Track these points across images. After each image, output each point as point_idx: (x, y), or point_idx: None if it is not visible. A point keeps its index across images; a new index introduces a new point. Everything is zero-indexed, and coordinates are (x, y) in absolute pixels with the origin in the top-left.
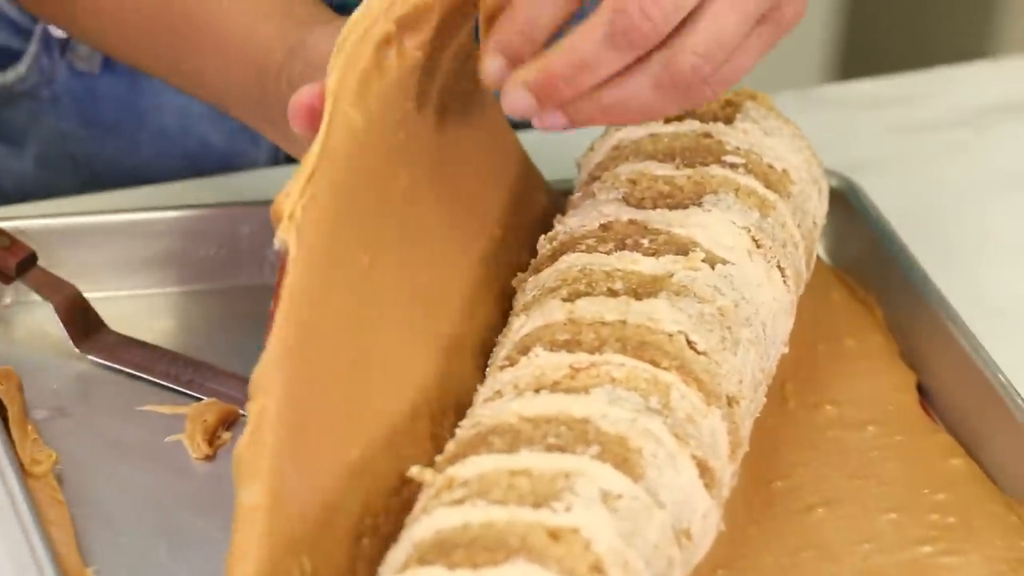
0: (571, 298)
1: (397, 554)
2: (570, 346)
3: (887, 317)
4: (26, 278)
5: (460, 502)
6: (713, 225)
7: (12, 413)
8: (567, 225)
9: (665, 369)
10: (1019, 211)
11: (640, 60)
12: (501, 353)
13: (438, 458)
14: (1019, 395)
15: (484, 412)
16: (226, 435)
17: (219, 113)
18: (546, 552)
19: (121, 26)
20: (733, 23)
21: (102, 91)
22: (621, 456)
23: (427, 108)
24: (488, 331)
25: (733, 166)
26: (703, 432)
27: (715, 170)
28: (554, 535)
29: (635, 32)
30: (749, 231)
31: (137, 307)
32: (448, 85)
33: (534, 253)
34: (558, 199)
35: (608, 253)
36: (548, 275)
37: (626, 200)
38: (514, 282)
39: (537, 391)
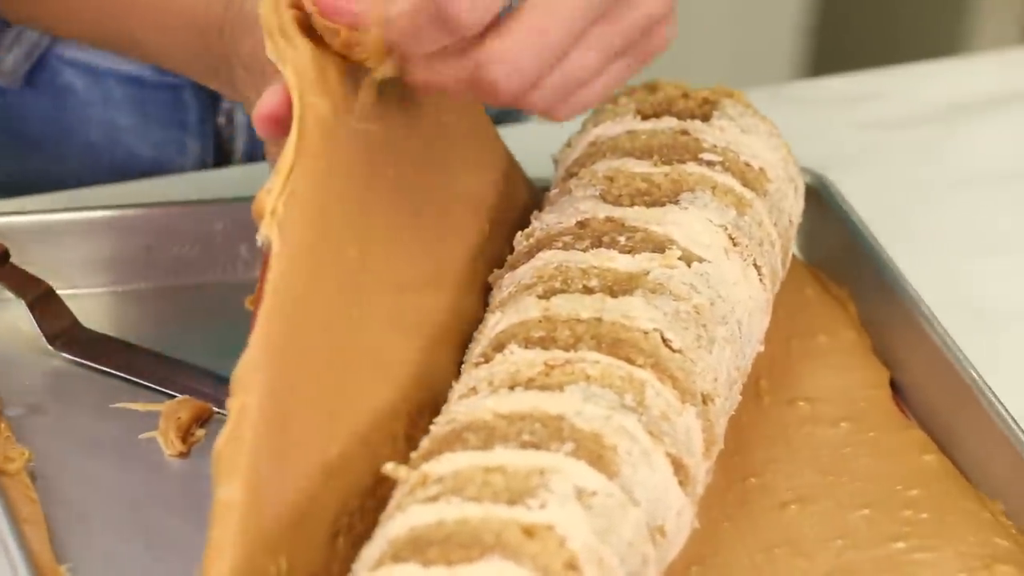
0: (547, 295)
1: (371, 551)
2: (545, 343)
3: (860, 313)
4: None
5: (435, 499)
6: (690, 223)
7: None
8: (544, 222)
9: (640, 367)
10: (990, 207)
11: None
12: (476, 350)
13: (413, 455)
14: (991, 391)
15: (459, 409)
16: (200, 432)
17: (144, 125)
18: (521, 549)
19: None
20: (556, 37)
21: (26, 106)
22: (596, 453)
23: (405, 99)
24: (472, 326)
25: (710, 164)
26: (678, 430)
27: (692, 168)
28: (529, 532)
29: (452, 19)
30: (726, 229)
31: (110, 304)
32: None
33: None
34: (536, 195)
35: (584, 250)
36: (524, 272)
37: (603, 197)
38: (490, 278)
39: (512, 388)
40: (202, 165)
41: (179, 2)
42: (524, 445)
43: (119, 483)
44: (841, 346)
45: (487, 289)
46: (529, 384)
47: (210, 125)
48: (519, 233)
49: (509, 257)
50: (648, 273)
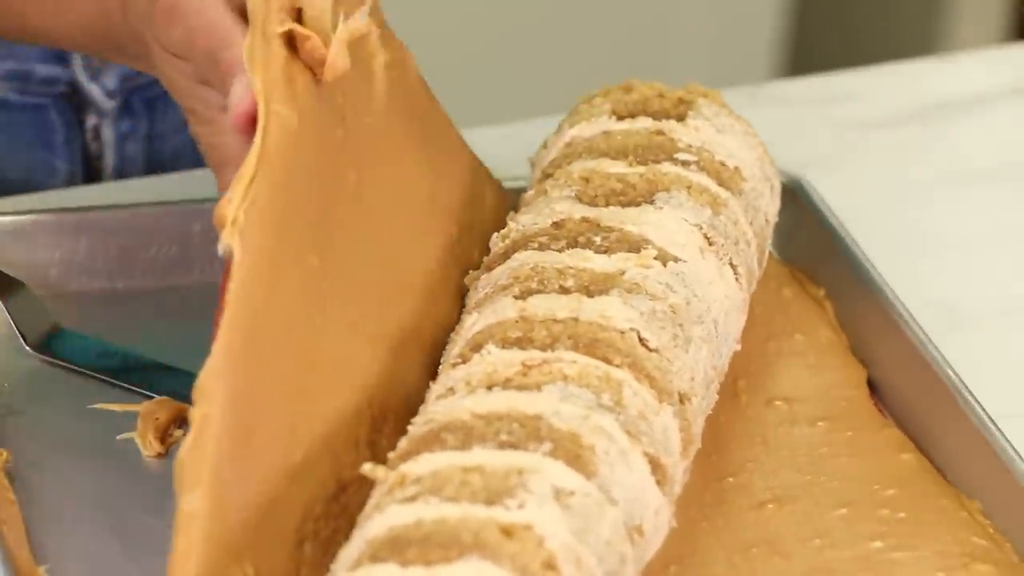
0: (523, 295)
1: (350, 551)
2: (522, 343)
3: (837, 313)
4: None
5: (413, 499)
6: (665, 223)
7: None
8: (520, 223)
9: (617, 366)
10: (966, 207)
11: None
12: (453, 350)
13: (391, 455)
14: (968, 390)
15: (437, 409)
16: (178, 433)
17: (10, 148)
18: (499, 549)
19: None
20: None
21: None
22: (574, 453)
23: (366, 104)
24: (444, 329)
25: (685, 163)
26: (655, 429)
27: (667, 167)
28: (507, 532)
29: None
30: (701, 228)
31: (88, 305)
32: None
33: (487, 251)
34: (509, 197)
35: (560, 251)
36: (500, 272)
37: (579, 198)
38: (466, 280)
39: (489, 388)
40: (72, 184)
41: None
42: (502, 445)
43: (97, 484)
44: (818, 346)
45: (461, 291)
46: (507, 384)
47: (77, 144)
48: (495, 234)
49: (485, 258)
50: (624, 273)
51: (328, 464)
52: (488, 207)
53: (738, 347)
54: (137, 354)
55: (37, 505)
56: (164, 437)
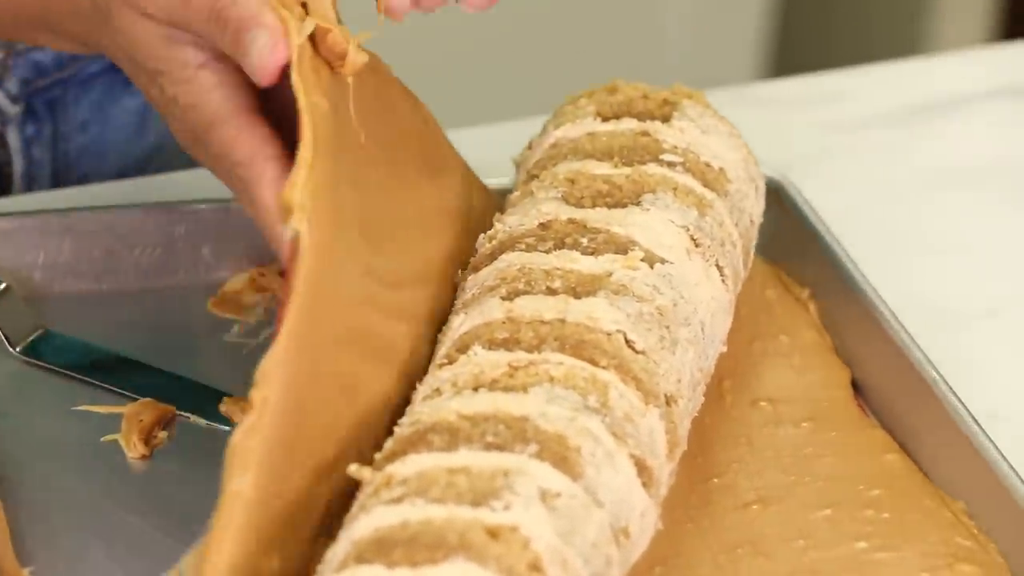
0: (510, 296)
1: (336, 552)
2: (509, 344)
3: (821, 314)
4: None
5: (399, 500)
6: (652, 224)
7: None
8: (506, 224)
9: (603, 368)
10: (950, 208)
11: None
12: (440, 351)
13: (377, 456)
14: (952, 391)
15: (423, 410)
16: (162, 434)
17: None
18: (485, 550)
19: None
20: None
21: None
22: (560, 455)
23: (371, 105)
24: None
25: (671, 164)
26: (641, 431)
27: (653, 169)
28: (493, 533)
29: None
30: (687, 230)
31: (72, 307)
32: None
33: (474, 251)
34: (495, 197)
35: (547, 252)
36: (487, 273)
37: (565, 199)
38: (455, 280)
39: (476, 389)
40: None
41: None
42: (488, 447)
43: (81, 486)
44: (802, 346)
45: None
46: (493, 385)
47: None
48: (482, 235)
49: (472, 259)
50: (611, 274)
51: (351, 461)
52: (477, 207)
53: (724, 349)
54: (121, 356)
55: (21, 507)
56: (148, 439)
